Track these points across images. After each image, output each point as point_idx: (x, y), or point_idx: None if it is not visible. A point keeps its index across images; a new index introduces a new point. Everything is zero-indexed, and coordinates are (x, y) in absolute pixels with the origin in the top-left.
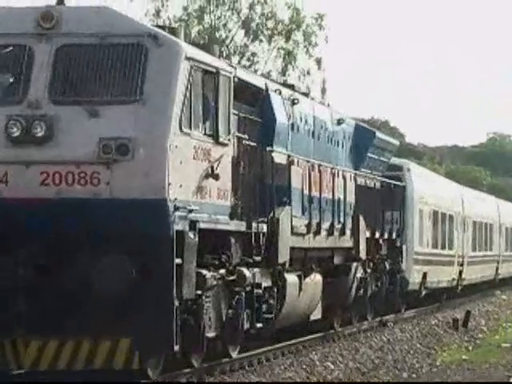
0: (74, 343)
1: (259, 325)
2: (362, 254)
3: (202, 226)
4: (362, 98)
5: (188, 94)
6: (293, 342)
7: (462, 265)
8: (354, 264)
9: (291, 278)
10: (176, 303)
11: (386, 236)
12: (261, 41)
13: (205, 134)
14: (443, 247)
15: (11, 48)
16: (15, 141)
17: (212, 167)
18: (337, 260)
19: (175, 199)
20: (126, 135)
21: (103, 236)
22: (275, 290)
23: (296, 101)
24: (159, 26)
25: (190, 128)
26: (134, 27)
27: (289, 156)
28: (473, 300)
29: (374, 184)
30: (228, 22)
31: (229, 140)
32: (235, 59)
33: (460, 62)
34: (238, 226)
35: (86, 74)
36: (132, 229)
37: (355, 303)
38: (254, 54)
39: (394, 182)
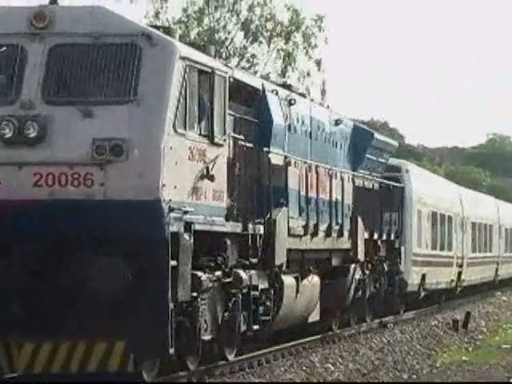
0: (68, 345)
1: (256, 327)
2: (361, 256)
3: (198, 227)
4: (362, 100)
5: (183, 95)
6: (292, 343)
7: (461, 266)
8: (352, 265)
9: (288, 280)
10: (171, 305)
11: (384, 237)
12: (260, 42)
13: (200, 134)
14: (442, 248)
15: (4, 48)
16: (8, 142)
17: (207, 168)
18: (335, 262)
19: (170, 200)
20: (119, 136)
21: (97, 237)
22: (272, 291)
23: (293, 101)
24: (154, 26)
25: (185, 128)
26: (127, 27)
27: (286, 157)
28: (472, 301)
29: (373, 185)
30: (227, 23)
31: (224, 140)
32: (235, 61)
33: (459, 64)
34: (233, 227)
35: (80, 74)
36: (126, 230)
37: (353, 305)
38: (253, 56)
39: (393, 183)
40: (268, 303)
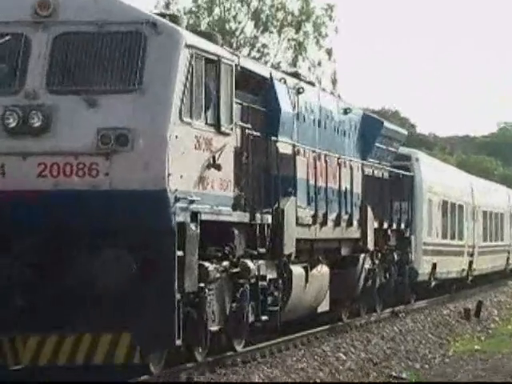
0: (74, 338)
1: (264, 317)
2: (370, 245)
3: (204, 217)
4: (373, 89)
5: (188, 83)
6: (303, 333)
7: (472, 255)
8: (362, 255)
9: (297, 270)
10: (178, 296)
11: (394, 226)
12: (271, 32)
13: (206, 123)
14: (453, 237)
15: (8, 37)
16: (12, 131)
17: (214, 157)
18: (344, 251)
19: (176, 190)
20: (125, 125)
21: (102, 228)
22: (280, 282)
23: (301, 90)
24: (160, 14)
25: (191, 117)
26: (132, 14)
27: (294, 146)
28: (484, 290)
29: (382, 174)
30: (238, 13)
31: (231, 129)
32: (245, 51)
33: (471, 52)
34: (241, 217)
35: (84, 63)
36: (132, 221)
37: (363, 295)
38: (264, 46)
39: (403, 172)
40: (276, 293)
